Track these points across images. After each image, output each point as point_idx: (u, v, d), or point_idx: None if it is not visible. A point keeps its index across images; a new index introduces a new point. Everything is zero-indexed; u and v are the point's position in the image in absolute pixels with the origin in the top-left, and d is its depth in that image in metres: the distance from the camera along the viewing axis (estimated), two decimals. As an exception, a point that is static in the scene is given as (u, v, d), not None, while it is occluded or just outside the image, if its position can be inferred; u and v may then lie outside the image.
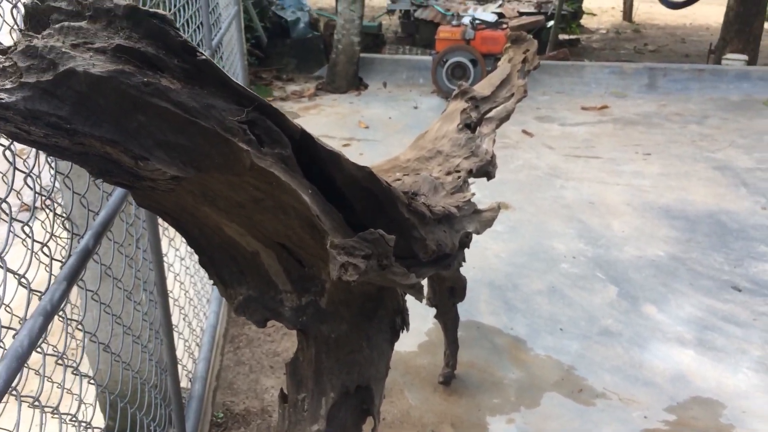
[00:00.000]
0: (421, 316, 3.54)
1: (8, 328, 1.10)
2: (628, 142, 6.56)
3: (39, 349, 1.19)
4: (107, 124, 1.00)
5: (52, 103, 0.95)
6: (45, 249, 1.33)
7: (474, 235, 2.38)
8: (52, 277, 1.30)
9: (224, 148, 1.10)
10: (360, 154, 6.11)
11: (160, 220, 2.10)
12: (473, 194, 2.25)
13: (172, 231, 2.87)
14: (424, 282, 2.54)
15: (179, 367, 2.41)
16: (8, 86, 0.93)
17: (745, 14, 8.71)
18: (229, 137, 1.10)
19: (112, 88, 0.97)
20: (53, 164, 1.38)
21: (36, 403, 1.19)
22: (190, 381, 2.71)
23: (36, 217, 1.59)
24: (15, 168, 1.15)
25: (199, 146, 1.08)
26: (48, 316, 1.12)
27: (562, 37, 10.63)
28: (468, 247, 2.38)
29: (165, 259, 2.27)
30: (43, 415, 1.28)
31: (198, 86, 1.06)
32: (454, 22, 8.46)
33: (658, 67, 8.59)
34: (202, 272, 3.42)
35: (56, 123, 0.96)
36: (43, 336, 1.12)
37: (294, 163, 1.23)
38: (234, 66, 5.45)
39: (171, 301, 2.35)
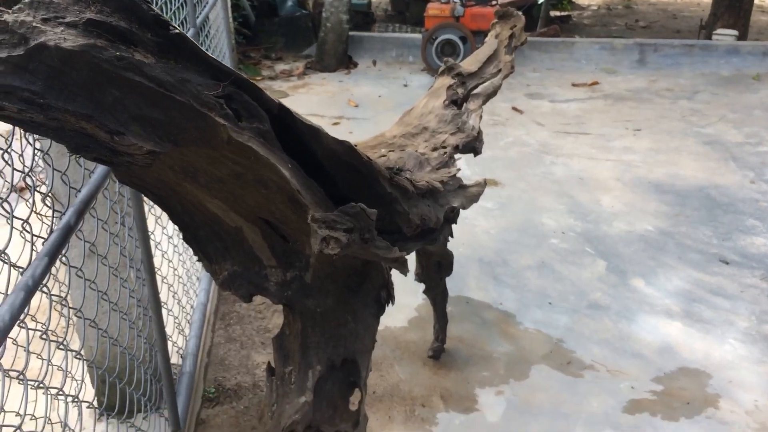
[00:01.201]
0: (411, 291, 3.57)
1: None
2: (619, 118, 6.56)
3: (23, 324, 1.20)
4: (81, 99, 1.00)
5: (25, 77, 0.95)
6: (28, 227, 1.33)
7: (463, 212, 2.40)
8: (35, 255, 1.31)
9: (201, 123, 1.10)
10: (349, 133, 6.10)
11: (145, 197, 2.10)
12: (459, 169, 2.26)
13: (159, 209, 2.87)
14: (411, 256, 2.56)
15: (170, 343, 2.42)
16: (-21, 61, 0.93)
17: (736, -12, 8.68)
18: (206, 112, 1.10)
19: (84, 63, 0.97)
20: (32, 140, 1.38)
21: (21, 377, 1.20)
22: (182, 357, 2.73)
23: (21, 197, 1.60)
24: (-8, 144, 1.15)
25: (174, 120, 1.08)
26: (30, 292, 1.13)
27: (553, 13, 10.58)
28: (455, 223, 2.39)
29: (152, 237, 2.28)
30: (28, 389, 1.29)
31: (172, 60, 1.06)
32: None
33: (648, 43, 8.58)
34: (191, 251, 3.43)
35: (29, 98, 0.96)
36: (26, 311, 1.13)
37: (273, 138, 1.23)
38: (221, 45, 5.41)
39: (159, 278, 2.36)
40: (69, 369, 1.67)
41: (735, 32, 8.62)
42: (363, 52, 8.75)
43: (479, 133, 2.68)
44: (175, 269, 2.81)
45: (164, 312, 2.41)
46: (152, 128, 1.07)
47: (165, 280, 2.56)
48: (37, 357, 1.58)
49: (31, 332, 1.30)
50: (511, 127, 6.32)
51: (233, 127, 1.13)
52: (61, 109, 0.99)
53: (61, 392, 1.42)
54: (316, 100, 7.16)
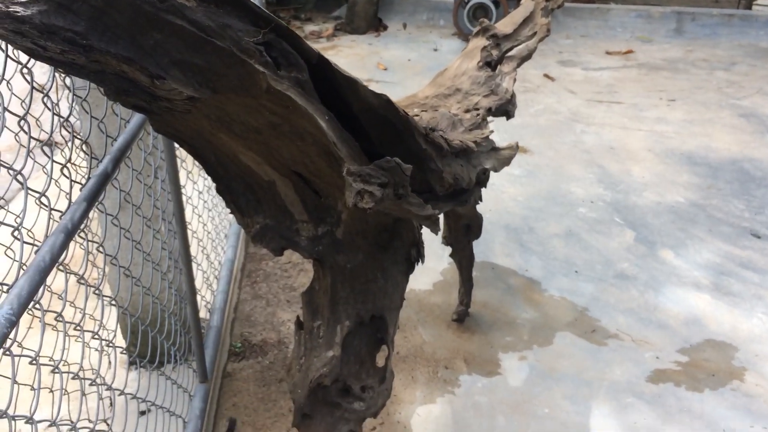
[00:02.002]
0: (436, 255, 3.57)
1: (30, 243, 1.12)
2: (653, 88, 6.43)
3: (61, 267, 1.22)
4: (123, 41, 0.99)
5: (68, 17, 0.95)
6: (64, 178, 1.35)
7: (491, 179, 2.38)
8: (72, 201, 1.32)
9: (240, 70, 1.10)
10: (379, 96, 6.05)
11: (177, 152, 2.11)
12: (492, 131, 2.23)
13: (190, 164, 2.89)
14: (440, 217, 2.56)
15: (198, 297, 2.45)
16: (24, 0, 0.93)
17: (781, -44, 8.39)
18: (246, 58, 1.09)
19: (127, 4, 0.96)
20: (69, 83, 1.38)
21: (59, 318, 1.22)
22: (209, 312, 2.77)
23: (57, 146, 1.61)
24: (33, 87, 1.15)
25: (215, 66, 1.08)
26: (69, 234, 1.14)
27: (589, -22, 10.31)
28: (485, 186, 2.38)
29: (183, 191, 2.30)
30: (66, 337, 1.32)
31: (213, 5, 1.05)
32: (478, -39, 8.23)
33: (686, 12, 8.35)
34: (220, 207, 3.46)
35: (72, 38, 0.96)
36: (64, 254, 1.15)
37: (311, 88, 1.22)
38: (252, 3, 5.38)
39: (189, 233, 2.38)
40: (102, 319, 1.71)
41: (777, 2, 8.35)
42: (393, 15, 8.64)
43: (512, 96, 2.64)
44: (205, 224, 2.84)
45: (193, 266, 2.44)
46: (192, 74, 1.07)
47: (195, 235, 2.59)
48: (71, 305, 1.61)
49: (64, 281, 1.32)
50: (542, 94, 6.23)
51: (272, 75, 1.12)
52: (103, 51, 0.98)
53: (96, 335, 1.45)
54: (345, 62, 7.10)
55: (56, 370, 1.22)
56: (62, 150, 1.51)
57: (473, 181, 1.94)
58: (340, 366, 1.71)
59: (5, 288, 1.03)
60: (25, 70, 1.17)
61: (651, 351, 2.99)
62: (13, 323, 0.94)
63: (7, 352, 1.02)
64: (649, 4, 9.20)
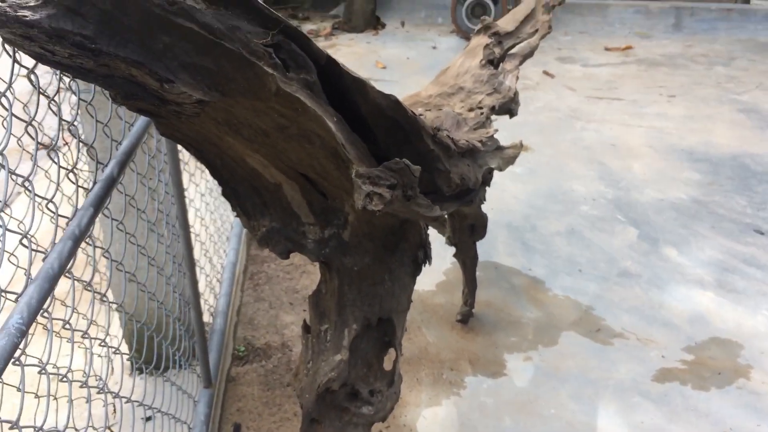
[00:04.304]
0: (439, 256, 3.55)
1: (39, 251, 1.11)
2: (652, 84, 6.42)
3: (68, 274, 1.20)
4: (132, 45, 0.98)
5: (77, 21, 0.93)
6: (66, 182, 1.33)
7: (491, 178, 2.37)
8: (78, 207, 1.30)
9: (249, 72, 1.08)
10: (378, 95, 6.03)
11: (180, 154, 2.09)
12: (497, 130, 2.22)
13: (192, 167, 2.87)
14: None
15: (201, 301, 2.44)
16: (32, 3, 0.91)
17: (779, -49, 8.38)
18: (255, 60, 1.07)
19: (136, 7, 0.94)
20: (75, 87, 1.37)
21: (66, 327, 1.21)
22: (212, 316, 2.76)
23: (59, 152, 1.59)
24: (39, 92, 1.14)
25: (224, 69, 1.06)
26: (76, 241, 1.13)
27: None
28: (489, 185, 2.37)
29: (186, 194, 2.28)
30: (72, 344, 1.30)
31: (222, 7, 1.04)
32: (475, -41, 8.21)
33: (684, 7, 8.34)
34: (222, 210, 3.44)
35: (81, 42, 0.95)
36: (72, 260, 1.13)
37: (319, 90, 1.21)
38: (250, 3, 5.35)
39: (192, 236, 2.37)
40: (107, 326, 1.69)
41: (775, -3, 8.35)
42: (391, 13, 8.62)
43: (515, 94, 2.63)
44: (207, 227, 2.82)
45: (196, 270, 2.42)
46: (201, 77, 1.05)
47: (197, 238, 2.57)
48: (75, 311, 1.59)
49: (68, 288, 1.30)
50: (542, 91, 6.22)
51: (281, 78, 1.11)
52: (111, 54, 0.97)
53: (103, 342, 1.44)
54: (343, 61, 6.97)
55: (64, 379, 1.20)
56: (64, 154, 1.49)
57: (479, 181, 1.92)
58: (348, 370, 1.69)
59: (14, 296, 1.01)
60: (31, 75, 1.15)
61: (656, 349, 2.98)
62: (24, 333, 0.92)
63: (17, 362, 1.00)
64: (648, 0, 9.19)
